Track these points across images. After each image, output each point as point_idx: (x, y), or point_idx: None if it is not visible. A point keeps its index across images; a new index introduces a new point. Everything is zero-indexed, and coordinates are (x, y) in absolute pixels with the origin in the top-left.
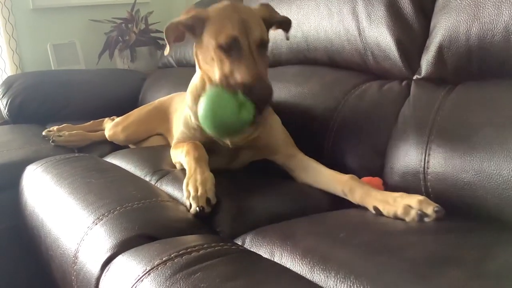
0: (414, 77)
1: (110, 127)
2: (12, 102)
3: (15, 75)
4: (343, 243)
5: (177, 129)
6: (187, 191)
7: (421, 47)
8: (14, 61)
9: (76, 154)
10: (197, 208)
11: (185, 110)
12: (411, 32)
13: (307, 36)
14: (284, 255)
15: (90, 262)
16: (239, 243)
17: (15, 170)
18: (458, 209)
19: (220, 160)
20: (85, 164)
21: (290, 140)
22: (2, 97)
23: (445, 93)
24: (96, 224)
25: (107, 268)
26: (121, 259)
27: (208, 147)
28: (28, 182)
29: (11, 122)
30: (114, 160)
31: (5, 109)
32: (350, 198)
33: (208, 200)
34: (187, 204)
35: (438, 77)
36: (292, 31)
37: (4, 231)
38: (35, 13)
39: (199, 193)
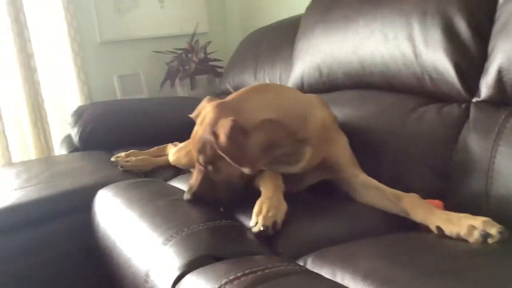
0: (474, 100)
1: (173, 152)
2: (83, 131)
3: (85, 105)
4: (405, 265)
5: None
6: (259, 208)
7: (479, 70)
8: (83, 92)
9: (143, 179)
10: (261, 227)
11: None
12: (469, 55)
13: (363, 60)
14: (346, 277)
15: (161, 281)
16: (301, 264)
17: (88, 194)
18: None
19: (287, 184)
20: (152, 188)
21: (355, 160)
22: (74, 125)
23: (506, 115)
24: (165, 245)
25: (177, 286)
26: (190, 278)
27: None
28: (100, 205)
29: (82, 149)
30: (178, 184)
31: (76, 137)
32: (412, 216)
33: (274, 224)
34: (254, 220)
35: (498, 100)
36: (348, 57)
37: (78, 251)
38: (102, 46)
39: (269, 214)
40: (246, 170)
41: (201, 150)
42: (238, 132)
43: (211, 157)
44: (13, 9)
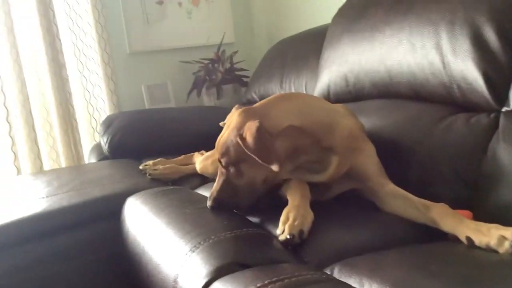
0: (503, 110)
1: (200, 160)
2: (112, 139)
3: (113, 114)
4: (434, 275)
5: None
6: (286, 217)
7: (509, 79)
8: (113, 101)
9: (171, 187)
10: (288, 236)
11: None
12: (498, 64)
13: (390, 70)
14: (374, 286)
15: (190, 287)
16: (328, 272)
17: (117, 201)
18: None
19: (314, 193)
20: (180, 196)
21: (382, 169)
22: (103, 134)
23: None
24: (193, 251)
25: None
26: (217, 285)
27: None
28: (129, 212)
29: (111, 157)
30: (204, 192)
31: (105, 145)
32: (441, 226)
33: (300, 232)
34: (281, 228)
35: None
36: (375, 66)
37: (107, 258)
38: (131, 57)
39: (296, 223)
40: (274, 168)
41: (225, 152)
42: (264, 133)
43: (234, 159)
44: (45, 20)
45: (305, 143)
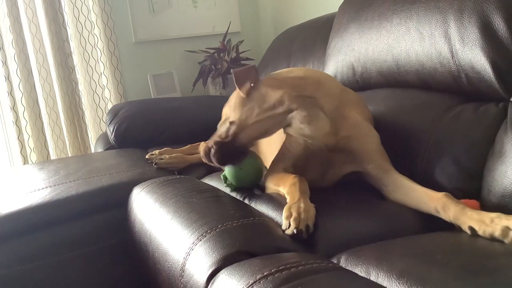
0: (511, 99)
1: None
2: (118, 129)
3: (120, 104)
4: (440, 264)
5: (272, 149)
6: (289, 212)
7: None
8: (118, 91)
9: (177, 176)
10: (295, 230)
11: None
12: (507, 53)
13: (397, 59)
14: (380, 275)
15: (197, 275)
16: (335, 261)
17: (124, 190)
18: None
19: (315, 170)
20: (186, 185)
21: (385, 155)
22: (109, 124)
23: None
24: (200, 240)
25: (212, 281)
26: (225, 273)
27: (304, 157)
28: (136, 201)
29: (117, 146)
30: (211, 181)
31: (112, 135)
32: (443, 215)
33: (307, 227)
34: (286, 223)
35: None
36: (382, 55)
37: (115, 245)
38: (137, 46)
39: (301, 217)
40: (242, 91)
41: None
42: (254, 72)
43: (233, 104)
44: (51, 9)
45: (289, 91)
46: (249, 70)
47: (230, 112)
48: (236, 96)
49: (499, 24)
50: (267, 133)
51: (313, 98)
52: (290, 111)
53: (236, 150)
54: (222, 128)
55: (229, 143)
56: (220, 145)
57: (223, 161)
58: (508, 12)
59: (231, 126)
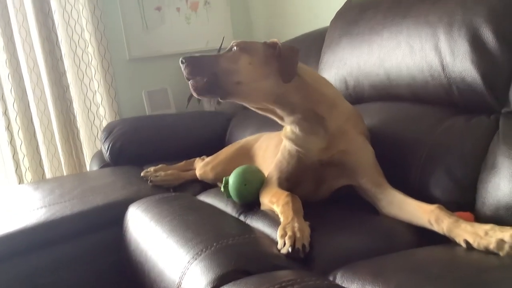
0: (503, 111)
1: (200, 166)
2: (113, 146)
3: (114, 121)
4: (436, 279)
5: (267, 164)
6: (283, 231)
7: (508, 80)
8: (113, 108)
9: (173, 193)
10: (290, 248)
11: (284, 141)
12: (497, 66)
13: (389, 73)
14: None
15: None
16: (331, 279)
17: (119, 209)
18: None
19: (309, 183)
20: (182, 202)
21: (379, 169)
22: (104, 141)
23: None
24: (196, 259)
25: None
26: None
27: (298, 170)
28: (132, 220)
29: (112, 164)
30: (206, 198)
31: (107, 152)
32: (436, 228)
33: (303, 246)
34: (281, 242)
35: None
36: (374, 69)
37: (111, 264)
38: (131, 63)
39: (297, 236)
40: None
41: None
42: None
43: (243, 46)
44: (44, 28)
45: (301, 101)
46: (295, 51)
47: (251, 58)
48: (268, 58)
49: (488, 36)
50: (255, 105)
51: (322, 118)
52: (294, 117)
53: (218, 87)
54: (229, 61)
55: (220, 78)
56: (213, 75)
57: (202, 91)
58: (497, 24)
59: (237, 75)
